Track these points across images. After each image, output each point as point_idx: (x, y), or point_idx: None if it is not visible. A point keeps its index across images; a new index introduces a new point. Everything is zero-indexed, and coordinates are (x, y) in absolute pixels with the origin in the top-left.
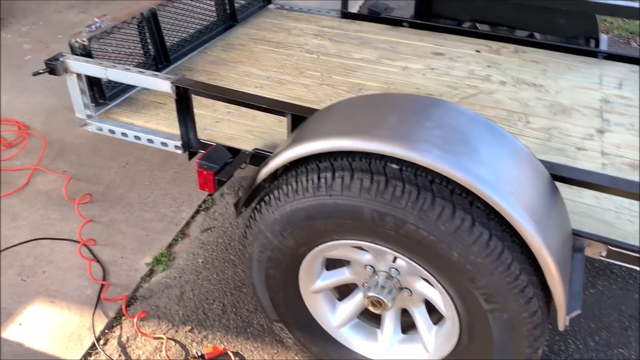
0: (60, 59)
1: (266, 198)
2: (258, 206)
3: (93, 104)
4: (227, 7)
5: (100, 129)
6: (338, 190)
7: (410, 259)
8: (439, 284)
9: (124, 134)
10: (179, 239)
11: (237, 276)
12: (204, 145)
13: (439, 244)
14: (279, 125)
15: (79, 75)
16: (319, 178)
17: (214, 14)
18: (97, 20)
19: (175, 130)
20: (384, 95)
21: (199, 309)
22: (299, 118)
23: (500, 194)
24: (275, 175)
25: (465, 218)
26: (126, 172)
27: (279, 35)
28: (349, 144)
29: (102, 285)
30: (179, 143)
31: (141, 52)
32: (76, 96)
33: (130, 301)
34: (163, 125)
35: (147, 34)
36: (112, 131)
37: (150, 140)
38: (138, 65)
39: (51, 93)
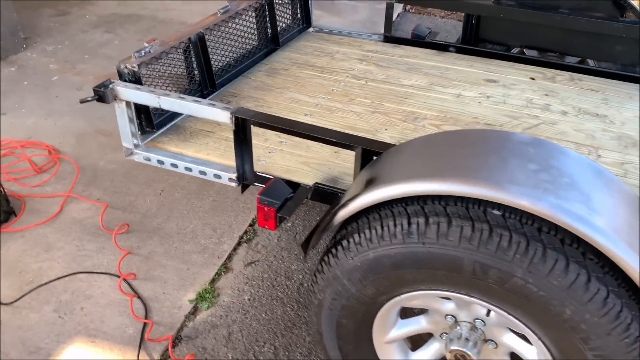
0: (110, 85)
1: (344, 242)
2: (333, 250)
3: (139, 132)
4: (270, 30)
5: (148, 159)
6: (433, 238)
7: (509, 314)
8: (539, 341)
9: (173, 165)
10: (222, 273)
11: (286, 315)
12: (260, 178)
13: (550, 301)
14: (335, 157)
15: (128, 103)
16: (409, 223)
17: (256, 38)
18: (146, 45)
19: (229, 161)
20: (472, 132)
21: (249, 352)
22: (369, 152)
23: (620, 246)
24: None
25: (580, 272)
26: (162, 200)
27: (323, 60)
28: (451, 187)
29: (145, 324)
30: (233, 176)
31: (186, 77)
32: (124, 124)
33: (175, 342)
34: (214, 156)
35: (193, 58)
36: (160, 162)
37: (202, 172)
38: (184, 91)
39: (80, 115)
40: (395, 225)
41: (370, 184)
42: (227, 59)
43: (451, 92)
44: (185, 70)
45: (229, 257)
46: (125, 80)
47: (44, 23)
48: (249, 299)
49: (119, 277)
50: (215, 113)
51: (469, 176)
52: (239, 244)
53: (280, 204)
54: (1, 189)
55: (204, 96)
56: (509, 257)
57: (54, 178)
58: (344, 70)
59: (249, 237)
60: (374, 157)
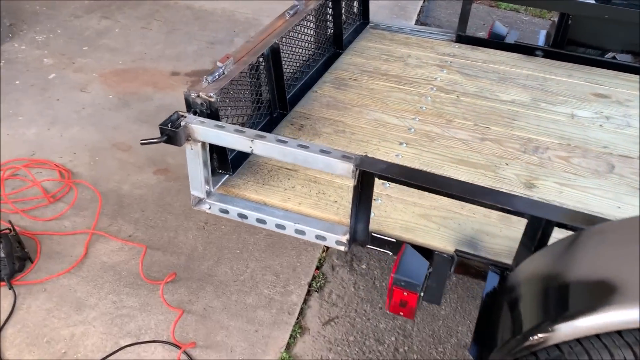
0: (183, 123)
1: None
2: None
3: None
4: (332, 31)
5: (226, 212)
6: None
7: None
8: None
9: (260, 221)
10: (297, 335)
11: None
12: (374, 240)
13: None
14: (459, 206)
15: (203, 144)
16: None
17: (321, 42)
18: (220, 64)
19: (327, 213)
20: None
21: None
22: (539, 221)
23: None
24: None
25: None
26: (208, 235)
27: (395, 66)
28: None
29: None
30: (343, 238)
31: (251, 99)
32: (196, 169)
33: None
34: (307, 206)
35: (264, 75)
36: (242, 216)
37: (299, 232)
38: (251, 117)
39: (89, 123)
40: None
41: (603, 292)
42: (293, 72)
43: (562, 111)
44: (251, 91)
45: (302, 313)
46: (198, 113)
47: (28, 7)
48: None
49: (176, 347)
50: (331, 165)
51: None
52: (309, 293)
53: (422, 286)
54: (13, 230)
55: (273, 120)
56: None
57: (71, 209)
58: (426, 81)
59: (319, 283)
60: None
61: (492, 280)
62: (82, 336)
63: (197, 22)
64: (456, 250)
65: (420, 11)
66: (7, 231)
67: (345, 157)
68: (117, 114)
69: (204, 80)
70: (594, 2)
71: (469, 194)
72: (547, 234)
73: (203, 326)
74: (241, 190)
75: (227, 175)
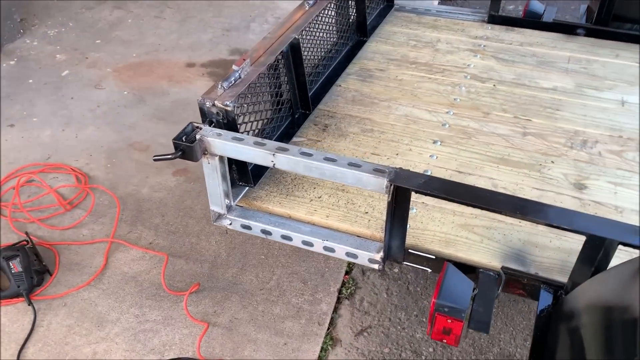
0: (198, 136)
1: None
2: None
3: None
4: (355, 17)
5: (248, 228)
6: None
7: None
8: None
9: (285, 237)
10: (329, 347)
11: None
12: (411, 257)
13: None
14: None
15: (221, 157)
16: None
17: (343, 31)
18: (235, 68)
19: (358, 227)
20: None
21: None
22: (600, 239)
23: None
24: None
25: None
26: (231, 240)
27: (424, 53)
28: None
29: None
30: (377, 256)
31: (270, 100)
32: (214, 185)
33: None
34: (336, 219)
35: (284, 74)
36: (266, 232)
37: (328, 249)
38: (270, 120)
39: (105, 123)
40: None
41: None
42: (315, 66)
43: (610, 97)
44: (270, 93)
45: (332, 323)
46: (214, 124)
47: (40, 1)
48: None
49: None
50: (362, 180)
51: None
52: (339, 301)
53: (468, 311)
54: (30, 242)
55: (295, 122)
56: None
57: (89, 216)
58: (458, 68)
59: (349, 290)
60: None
61: (545, 299)
62: (104, 354)
63: (211, 8)
64: (503, 267)
65: (499, 3)
66: (25, 242)
67: (378, 171)
68: (132, 111)
69: (219, 86)
70: None
71: (520, 211)
72: (609, 253)
73: (229, 340)
74: (264, 203)
75: (248, 187)
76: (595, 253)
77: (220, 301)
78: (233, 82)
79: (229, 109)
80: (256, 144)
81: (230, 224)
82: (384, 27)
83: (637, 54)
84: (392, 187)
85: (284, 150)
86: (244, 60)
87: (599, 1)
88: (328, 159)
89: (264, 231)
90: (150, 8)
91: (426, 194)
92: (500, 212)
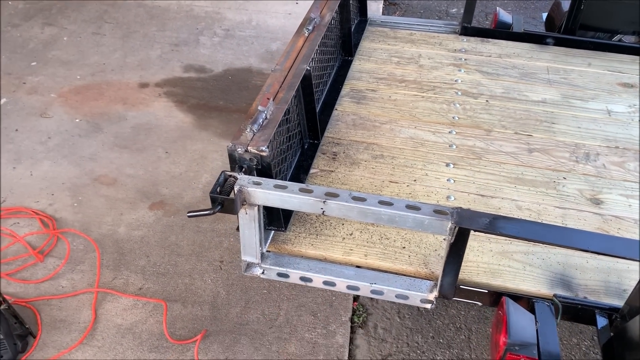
0: (237, 187)
1: None
2: None
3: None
4: (341, 37)
5: (286, 276)
6: None
7: None
8: None
9: (328, 284)
10: None
11: None
12: (462, 292)
13: None
14: None
15: (259, 206)
16: None
17: (333, 52)
18: (261, 109)
19: (401, 264)
20: None
21: None
22: None
23: None
24: None
25: None
26: (227, 276)
27: (410, 70)
28: None
29: None
30: (431, 296)
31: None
32: (251, 235)
33: None
34: (375, 258)
35: (295, 106)
36: (306, 279)
37: (377, 292)
38: (286, 156)
39: (60, 156)
40: None
41: None
42: (315, 92)
43: (596, 107)
44: (288, 128)
45: (351, 355)
46: (244, 169)
47: None
48: None
49: None
50: (424, 223)
51: None
52: (352, 330)
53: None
54: (5, 302)
55: (304, 152)
56: None
57: (66, 264)
58: (447, 85)
59: (361, 318)
60: None
61: (602, 325)
62: None
63: (154, 22)
64: (555, 295)
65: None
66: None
67: (440, 213)
68: (89, 141)
69: (248, 129)
70: None
71: (590, 245)
72: None
73: None
74: (295, 246)
75: (275, 230)
76: None
77: (230, 345)
78: (262, 123)
79: (264, 154)
80: (302, 190)
81: (263, 272)
82: (363, 44)
83: (606, 62)
84: (456, 229)
85: (334, 196)
86: (268, 99)
87: (560, 10)
88: (383, 203)
89: (303, 278)
90: (86, 24)
91: (494, 233)
92: (586, 251)
